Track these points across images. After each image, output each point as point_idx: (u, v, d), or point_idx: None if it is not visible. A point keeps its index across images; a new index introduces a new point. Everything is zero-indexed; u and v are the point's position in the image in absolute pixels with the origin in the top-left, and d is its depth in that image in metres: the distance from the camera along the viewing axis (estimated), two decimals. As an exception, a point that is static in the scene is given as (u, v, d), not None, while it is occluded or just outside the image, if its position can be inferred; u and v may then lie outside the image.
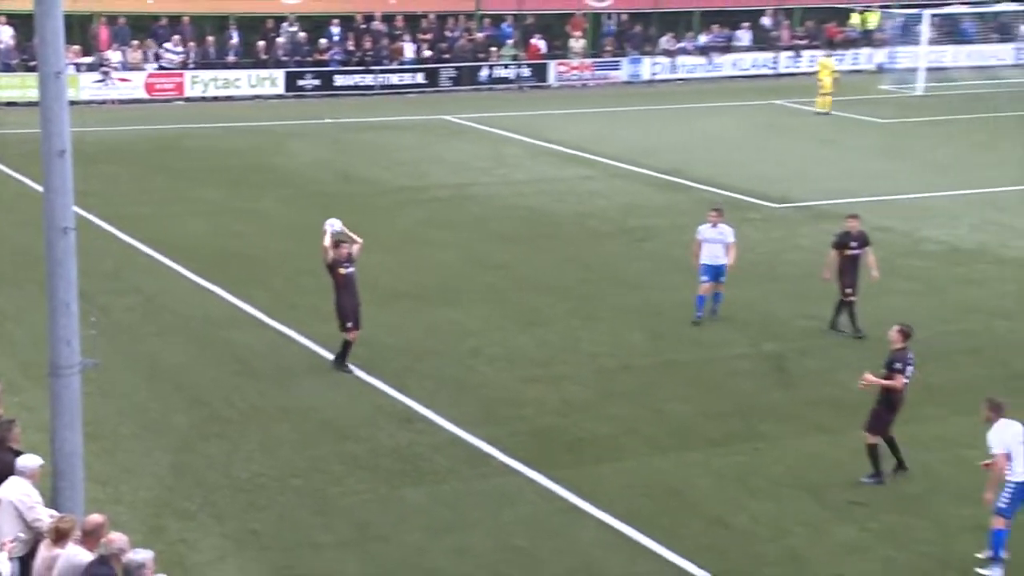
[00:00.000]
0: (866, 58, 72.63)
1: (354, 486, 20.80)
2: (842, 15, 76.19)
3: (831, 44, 73.82)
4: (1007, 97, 64.16)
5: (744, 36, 73.06)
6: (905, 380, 21.01)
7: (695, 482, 21.42)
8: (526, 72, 67.78)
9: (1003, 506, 18.28)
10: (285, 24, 64.21)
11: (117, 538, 13.40)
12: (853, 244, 28.19)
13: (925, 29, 67.13)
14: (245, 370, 25.94)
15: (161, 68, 61.69)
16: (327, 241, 25.38)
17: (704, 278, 27.39)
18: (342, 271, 25.12)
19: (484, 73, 66.82)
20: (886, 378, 21.21)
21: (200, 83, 61.96)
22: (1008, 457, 18.21)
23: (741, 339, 27.24)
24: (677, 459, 22.31)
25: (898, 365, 21.14)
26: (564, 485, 20.92)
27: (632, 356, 27.25)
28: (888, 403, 21.27)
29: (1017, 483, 18.19)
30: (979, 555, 18.64)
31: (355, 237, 25.70)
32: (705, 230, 27.55)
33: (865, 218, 38.91)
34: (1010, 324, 29.37)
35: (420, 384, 25.11)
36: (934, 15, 68.63)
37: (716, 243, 27.32)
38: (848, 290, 28.17)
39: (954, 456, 22.44)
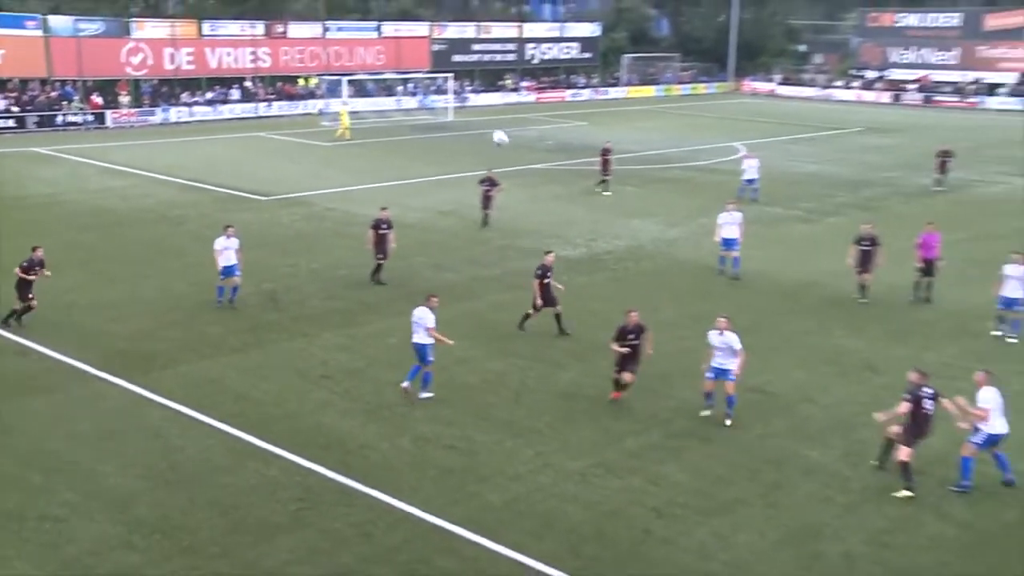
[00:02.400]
0: (312, 106, 72.52)
1: (-8, 400, 19.37)
2: (294, 79, 76.01)
3: (290, 97, 73.90)
4: (393, 130, 65.92)
5: (235, 93, 71.60)
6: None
7: (226, 374, 21.11)
8: (90, 118, 63.92)
9: (429, 359, 19.67)
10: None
11: None
12: (383, 227, 27.68)
13: (345, 88, 68.16)
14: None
15: None
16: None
17: (222, 276, 25.85)
18: (32, 275, 23.60)
19: (60, 119, 62.62)
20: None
21: None
22: (434, 329, 19.52)
23: (248, 282, 26.67)
24: (214, 362, 21.84)
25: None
26: (139, 385, 20.28)
27: (179, 299, 26.37)
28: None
29: (420, 343, 19.54)
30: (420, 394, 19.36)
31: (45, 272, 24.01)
32: (219, 240, 25.91)
33: (317, 203, 39.27)
34: (424, 259, 30.19)
35: (32, 327, 23.47)
36: (350, 80, 69.94)
37: (228, 250, 25.76)
38: (380, 256, 27.62)
39: (383, 344, 23.01)
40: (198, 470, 16.69)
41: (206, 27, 71.29)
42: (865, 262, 26.81)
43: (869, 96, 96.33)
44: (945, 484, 16.53)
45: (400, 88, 79.71)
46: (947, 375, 20.34)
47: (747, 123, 73.12)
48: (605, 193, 42.54)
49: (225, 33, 72.14)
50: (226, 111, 70.19)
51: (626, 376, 19.37)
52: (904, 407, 16.20)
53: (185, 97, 69.55)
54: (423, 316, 19.59)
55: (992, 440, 16.25)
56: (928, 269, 27.32)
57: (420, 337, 19.64)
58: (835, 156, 56.63)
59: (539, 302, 23.61)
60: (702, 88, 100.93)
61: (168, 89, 69.82)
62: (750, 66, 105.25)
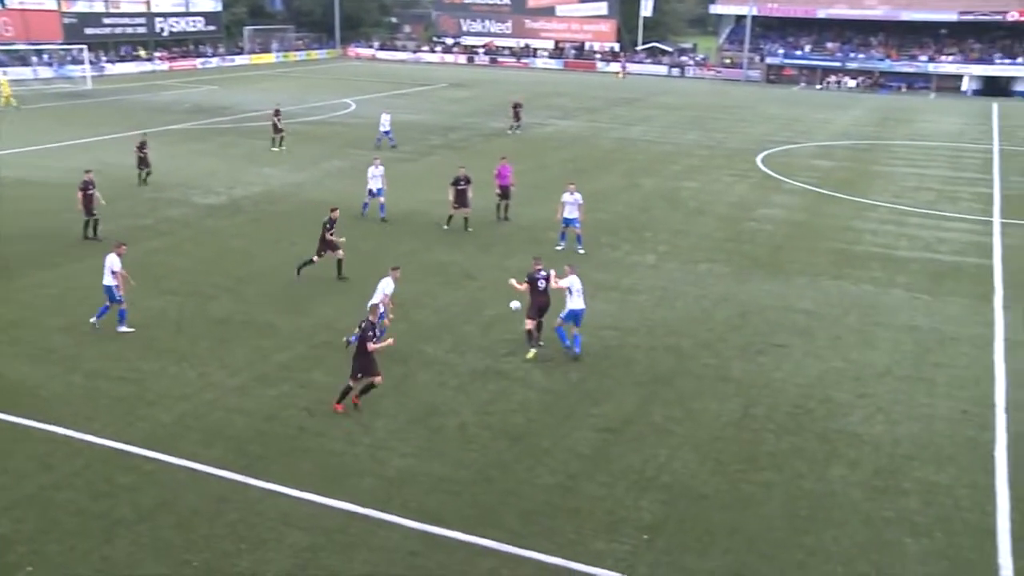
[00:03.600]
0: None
1: None
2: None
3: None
4: (32, 98, 58.84)
5: None
6: None
7: None
8: None
9: (118, 297, 18.42)
10: None
11: None
12: (90, 188, 24.94)
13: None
14: None
15: None
16: None
17: None
18: None
19: None
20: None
21: None
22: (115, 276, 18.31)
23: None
24: None
25: None
26: None
27: None
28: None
29: (108, 285, 18.31)
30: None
31: None
32: None
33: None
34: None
35: None
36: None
37: None
38: (91, 214, 25.06)
39: (43, 294, 20.67)
40: None
41: None
42: (462, 199, 27.51)
43: (449, 58, 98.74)
44: (527, 362, 17.61)
45: (35, 59, 71.25)
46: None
47: (355, 83, 72.54)
48: (281, 148, 40.30)
49: None
50: None
51: (377, 379, 15.35)
52: (524, 286, 17.83)
53: None
54: (112, 261, 18.37)
55: (573, 314, 17.62)
56: (504, 194, 28.70)
57: (108, 279, 18.37)
58: (427, 107, 57.68)
59: (322, 251, 21.94)
60: (315, 54, 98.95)
61: None
62: (353, 35, 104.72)
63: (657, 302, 21.47)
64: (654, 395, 16.42)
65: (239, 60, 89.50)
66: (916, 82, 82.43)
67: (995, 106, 69.45)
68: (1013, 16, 79.55)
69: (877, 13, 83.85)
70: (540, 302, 17.89)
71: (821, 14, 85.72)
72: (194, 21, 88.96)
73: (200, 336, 18.56)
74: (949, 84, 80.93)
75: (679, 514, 12.67)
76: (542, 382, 16.79)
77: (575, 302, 17.59)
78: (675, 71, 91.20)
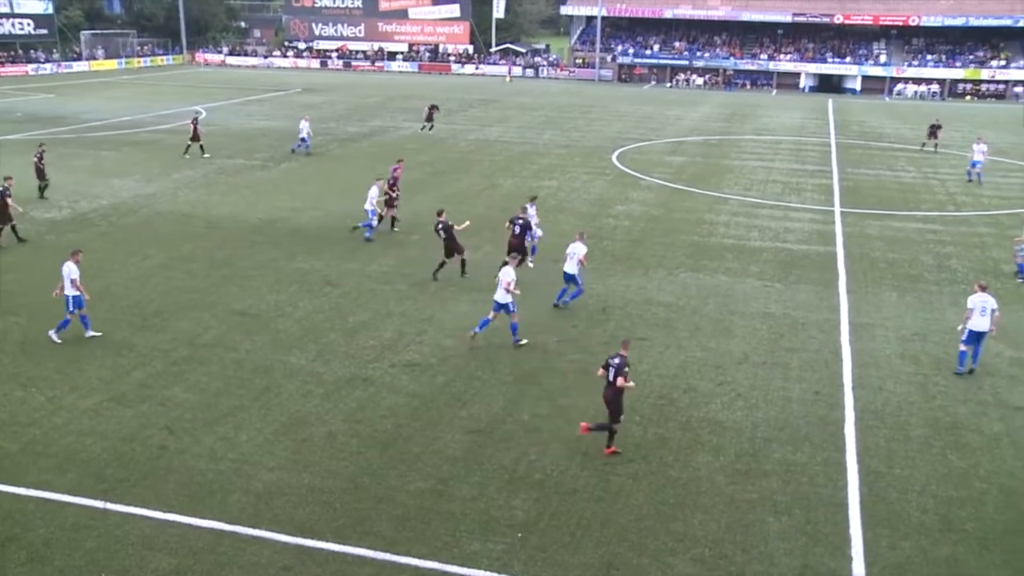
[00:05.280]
0: None
1: None
2: None
3: None
4: None
5: None
6: None
7: None
8: None
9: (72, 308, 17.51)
10: None
11: None
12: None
13: None
14: None
15: None
16: None
17: None
18: None
19: None
20: None
21: None
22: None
23: None
24: None
25: None
26: None
27: None
28: None
29: (69, 295, 18.18)
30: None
31: None
32: None
33: None
34: None
35: None
36: None
37: None
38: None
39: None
40: None
41: None
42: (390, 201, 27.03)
43: (302, 63, 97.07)
44: (395, 366, 17.49)
45: None
46: (386, 281, 21.44)
47: (204, 89, 70.31)
48: (204, 156, 39.45)
49: None
50: None
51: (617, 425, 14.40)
52: (509, 225, 22.77)
53: None
54: (70, 270, 18.08)
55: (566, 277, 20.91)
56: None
57: (68, 289, 18.08)
58: (281, 113, 56.46)
59: (450, 254, 22.76)
60: (160, 60, 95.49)
61: None
62: (200, 40, 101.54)
63: (520, 301, 21.65)
64: (521, 394, 16.57)
65: (77, 67, 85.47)
66: (759, 79, 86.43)
67: (830, 102, 73.52)
68: (839, 19, 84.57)
69: (720, 13, 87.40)
70: (513, 243, 22.21)
71: (668, 14, 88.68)
72: (21, 23, 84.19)
73: (47, 357, 17.58)
74: (788, 81, 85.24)
75: (551, 510, 12.84)
76: (409, 387, 16.69)
77: (569, 266, 20.70)
78: (529, 72, 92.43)
